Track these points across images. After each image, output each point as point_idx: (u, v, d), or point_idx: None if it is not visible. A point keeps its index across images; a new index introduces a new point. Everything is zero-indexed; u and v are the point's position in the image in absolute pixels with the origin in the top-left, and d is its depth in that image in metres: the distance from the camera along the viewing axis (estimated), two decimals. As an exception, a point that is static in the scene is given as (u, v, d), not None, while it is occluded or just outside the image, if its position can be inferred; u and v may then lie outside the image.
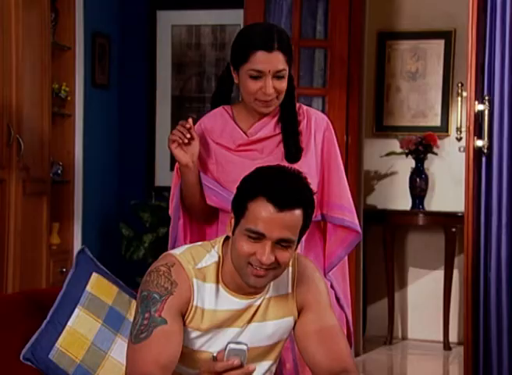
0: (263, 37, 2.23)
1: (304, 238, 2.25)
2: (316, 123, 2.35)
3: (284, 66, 2.25)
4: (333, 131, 2.39)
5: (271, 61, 2.22)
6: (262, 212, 1.78)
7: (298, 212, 1.81)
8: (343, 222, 2.34)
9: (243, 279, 1.84)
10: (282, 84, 2.26)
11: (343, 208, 2.34)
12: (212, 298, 1.87)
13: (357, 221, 2.37)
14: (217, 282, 1.88)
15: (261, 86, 2.23)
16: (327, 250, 2.38)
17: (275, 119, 2.34)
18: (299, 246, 2.02)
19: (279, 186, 1.80)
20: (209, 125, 2.37)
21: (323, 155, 2.35)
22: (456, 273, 5.07)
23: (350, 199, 2.38)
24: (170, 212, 2.38)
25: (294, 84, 2.38)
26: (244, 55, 2.24)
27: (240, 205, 1.84)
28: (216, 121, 2.37)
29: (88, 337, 2.12)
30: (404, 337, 5.34)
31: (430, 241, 5.26)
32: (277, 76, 2.24)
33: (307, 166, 2.27)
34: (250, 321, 1.91)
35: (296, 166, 2.17)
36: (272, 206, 1.78)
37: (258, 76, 2.23)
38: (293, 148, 2.30)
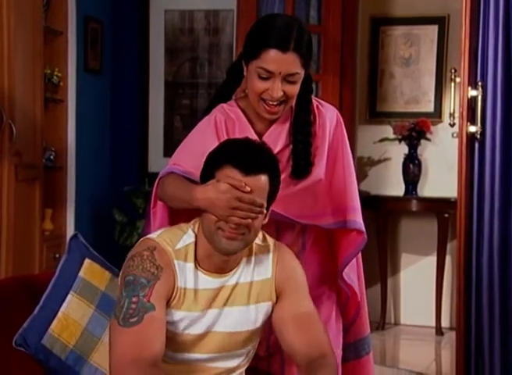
0: (280, 34, 2.02)
1: (310, 241, 2.26)
2: (330, 122, 2.20)
3: (298, 70, 2.05)
4: (343, 123, 2.25)
5: (283, 62, 2.02)
6: (229, 178, 1.82)
7: (264, 178, 1.85)
8: (355, 224, 2.22)
9: (216, 245, 1.86)
10: (294, 89, 2.07)
11: (356, 209, 2.23)
12: (192, 278, 1.89)
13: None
14: (195, 261, 1.91)
15: (268, 87, 2.05)
16: (340, 251, 2.27)
17: (289, 124, 2.17)
18: (306, 246, 2.10)
19: (244, 153, 1.84)
20: (229, 131, 2.15)
21: (337, 156, 2.20)
22: (448, 259, 5.09)
23: (358, 197, 2.25)
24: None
25: (312, 87, 2.19)
26: (256, 51, 2.04)
27: (207, 176, 1.87)
28: (234, 126, 2.15)
29: (81, 323, 2.13)
30: (397, 323, 5.36)
31: (423, 226, 5.28)
32: (288, 79, 2.05)
33: (318, 178, 2.16)
34: (226, 303, 1.93)
35: (305, 180, 2.12)
36: (238, 172, 1.82)
37: (267, 76, 2.04)
38: (302, 160, 2.13)
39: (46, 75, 4.54)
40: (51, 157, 4.72)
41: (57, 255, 4.46)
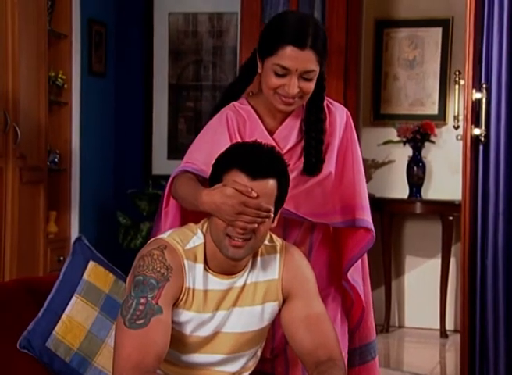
0: (296, 31, 2.02)
1: (318, 241, 2.25)
2: (340, 120, 2.20)
3: (314, 67, 2.04)
4: (353, 123, 2.25)
5: (300, 59, 2.01)
6: (235, 183, 1.80)
7: (272, 182, 1.83)
8: (363, 223, 2.20)
9: (223, 252, 1.85)
10: (310, 86, 2.06)
11: (364, 208, 2.22)
12: (201, 278, 1.89)
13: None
14: (204, 263, 1.90)
15: (284, 83, 2.04)
16: (346, 250, 2.26)
17: (300, 121, 2.17)
18: (314, 246, 2.12)
19: (251, 156, 1.83)
20: (241, 129, 2.15)
21: (347, 154, 2.21)
22: (453, 261, 5.08)
23: (367, 196, 2.25)
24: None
25: (325, 85, 2.17)
26: (272, 47, 2.03)
27: (214, 180, 1.86)
28: (245, 124, 2.15)
29: (85, 325, 2.13)
30: (401, 325, 5.35)
31: (427, 229, 5.27)
32: (304, 77, 2.04)
33: (328, 173, 2.16)
34: (235, 304, 1.93)
35: (316, 178, 2.13)
36: (245, 176, 1.80)
37: (284, 73, 2.03)
38: (314, 157, 2.12)
39: (50, 78, 4.55)
40: (56, 160, 4.72)
41: (61, 258, 4.46)
